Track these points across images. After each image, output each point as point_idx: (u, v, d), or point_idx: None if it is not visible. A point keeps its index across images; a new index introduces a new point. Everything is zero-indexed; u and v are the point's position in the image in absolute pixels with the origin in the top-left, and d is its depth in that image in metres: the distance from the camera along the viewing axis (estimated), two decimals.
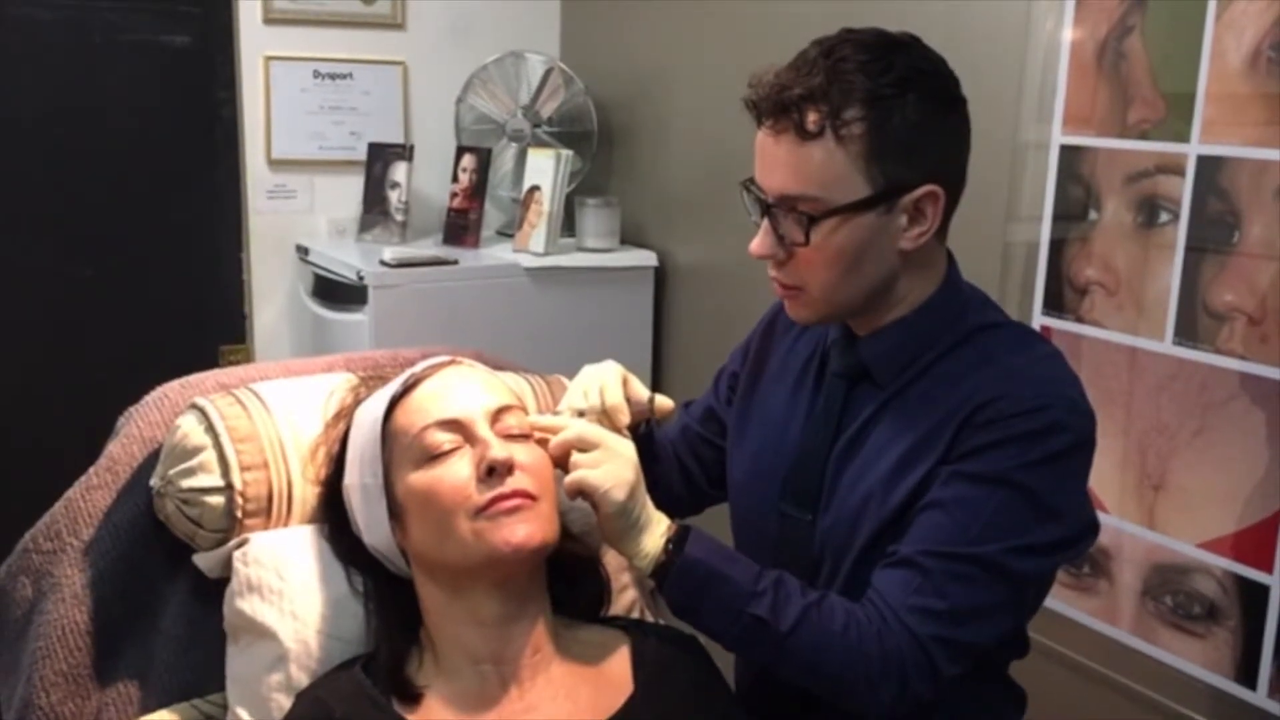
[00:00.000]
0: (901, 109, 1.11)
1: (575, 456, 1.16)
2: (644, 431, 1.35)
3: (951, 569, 1.11)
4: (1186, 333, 1.63)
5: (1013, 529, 1.11)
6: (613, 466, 1.15)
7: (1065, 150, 1.78)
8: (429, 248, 2.79)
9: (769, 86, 1.14)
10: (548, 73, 2.88)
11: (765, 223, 1.17)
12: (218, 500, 1.29)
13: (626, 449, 1.17)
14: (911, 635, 1.10)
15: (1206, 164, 1.59)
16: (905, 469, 1.17)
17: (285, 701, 1.21)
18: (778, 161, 1.14)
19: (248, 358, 2.94)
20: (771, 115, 1.14)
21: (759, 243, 1.18)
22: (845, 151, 1.11)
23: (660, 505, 1.19)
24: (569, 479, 1.16)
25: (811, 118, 1.11)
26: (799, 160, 1.13)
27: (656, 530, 1.16)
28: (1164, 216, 1.65)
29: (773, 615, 1.11)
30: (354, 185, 2.95)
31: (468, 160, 2.88)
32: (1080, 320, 1.78)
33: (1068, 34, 1.76)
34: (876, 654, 1.10)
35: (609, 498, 1.13)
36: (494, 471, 1.14)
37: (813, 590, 1.15)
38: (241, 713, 1.24)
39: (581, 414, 1.31)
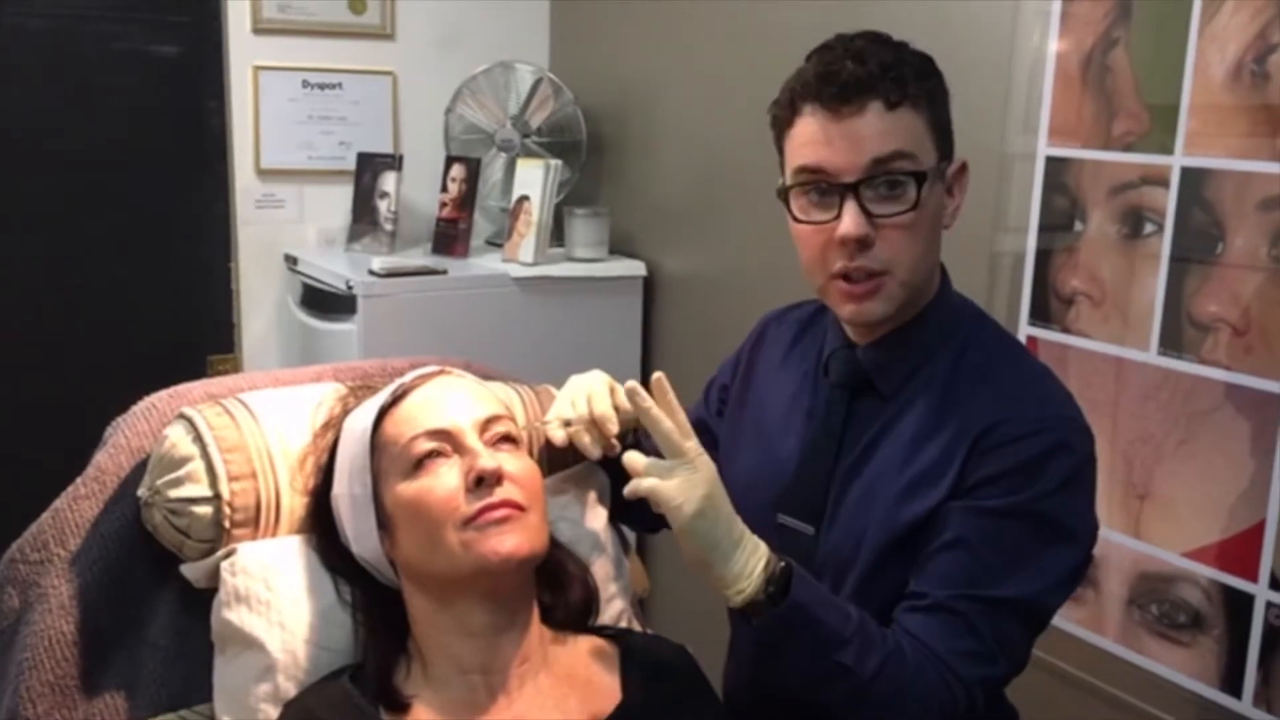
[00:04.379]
0: (940, 85, 1.21)
1: (647, 473, 1.11)
2: (630, 441, 1.34)
3: (982, 610, 1.13)
4: (1171, 343, 1.64)
5: (1033, 561, 1.14)
6: (683, 481, 1.08)
7: (1051, 161, 1.79)
8: (418, 257, 2.79)
9: (841, 73, 1.15)
10: (537, 83, 2.89)
11: (850, 204, 1.15)
12: (205, 510, 1.28)
13: (705, 468, 1.11)
14: (963, 682, 1.12)
15: (1190, 176, 1.60)
16: (914, 492, 1.18)
17: (273, 712, 1.20)
18: (868, 132, 1.15)
19: (236, 367, 2.93)
20: (856, 92, 1.15)
21: (853, 222, 1.15)
22: (920, 118, 1.17)
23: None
24: (636, 484, 1.10)
25: (893, 88, 1.15)
26: (891, 125, 1.15)
27: (751, 563, 1.09)
28: (1149, 228, 1.66)
29: (858, 663, 1.09)
30: (343, 195, 2.95)
31: (457, 170, 2.88)
32: (1066, 331, 1.79)
33: (1053, 46, 1.77)
34: (936, 705, 1.12)
35: (680, 512, 1.07)
36: (482, 481, 1.14)
37: (887, 634, 1.13)
38: None
39: (569, 424, 1.31)
